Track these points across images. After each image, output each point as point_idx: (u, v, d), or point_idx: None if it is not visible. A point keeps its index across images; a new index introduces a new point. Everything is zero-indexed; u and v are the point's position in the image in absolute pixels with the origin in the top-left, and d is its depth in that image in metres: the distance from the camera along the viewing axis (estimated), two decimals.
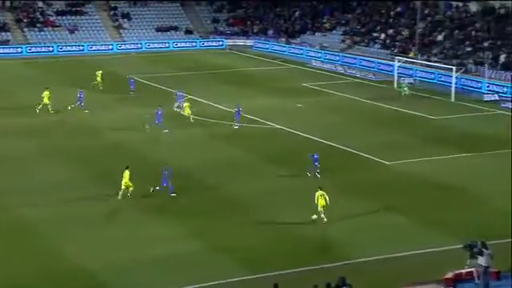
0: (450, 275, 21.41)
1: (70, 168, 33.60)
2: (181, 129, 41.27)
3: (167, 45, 74.99)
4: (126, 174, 29.25)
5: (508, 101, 48.24)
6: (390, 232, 26.59)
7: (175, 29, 78.33)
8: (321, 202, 27.12)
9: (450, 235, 25.92)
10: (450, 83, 51.61)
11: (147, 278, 23.06)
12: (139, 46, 74.27)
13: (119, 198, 29.11)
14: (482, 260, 20.87)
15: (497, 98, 49.71)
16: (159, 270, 23.45)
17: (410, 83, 54.19)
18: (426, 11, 66.64)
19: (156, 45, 74.55)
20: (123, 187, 29.21)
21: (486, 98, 50.09)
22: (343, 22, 73.59)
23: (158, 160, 34.08)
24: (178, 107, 44.41)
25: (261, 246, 25.29)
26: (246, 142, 36.88)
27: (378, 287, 22.28)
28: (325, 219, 26.95)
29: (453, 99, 49.94)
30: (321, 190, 27.44)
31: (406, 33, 65.78)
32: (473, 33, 60.67)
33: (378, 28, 69.14)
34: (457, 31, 62.05)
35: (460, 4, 65.20)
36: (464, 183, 31.96)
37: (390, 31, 67.49)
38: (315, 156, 32.33)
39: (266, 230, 26.74)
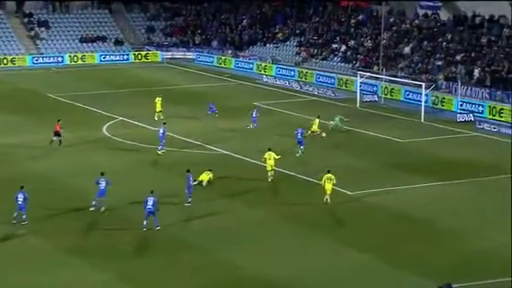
0: None
1: None
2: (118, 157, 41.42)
3: (94, 58, 74.81)
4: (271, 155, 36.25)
5: (483, 121, 49.79)
6: (353, 272, 27.10)
7: (103, 39, 78.25)
8: (327, 186, 32.94)
9: (421, 275, 26.55)
10: (420, 101, 53.03)
11: None
12: (60, 59, 73.87)
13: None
14: None
15: (472, 118, 51.25)
16: None
17: (374, 101, 55.69)
18: (391, 20, 68.38)
19: (80, 58, 74.32)
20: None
21: (460, 118, 51.59)
22: (298, 31, 74.80)
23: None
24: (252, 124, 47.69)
25: None
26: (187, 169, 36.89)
27: None
28: (328, 200, 33.15)
29: (422, 119, 51.33)
30: (329, 173, 33.17)
31: (368, 44, 67.29)
32: (444, 44, 62.53)
33: (338, 39, 70.55)
34: (426, 42, 63.88)
35: (429, 12, 67.10)
36: (436, 215, 32.77)
37: (352, 42, 68.94)
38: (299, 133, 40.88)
39: (211, 272, 27.06)
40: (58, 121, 42.94)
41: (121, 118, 50.22)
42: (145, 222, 30.28)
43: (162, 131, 41.51)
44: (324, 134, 45.39)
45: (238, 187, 36.24)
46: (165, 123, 43.03)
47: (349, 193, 35.29)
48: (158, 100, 49.46)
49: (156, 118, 48.24)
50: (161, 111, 48.99)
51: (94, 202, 32.29)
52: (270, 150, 37.14)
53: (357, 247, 29.11)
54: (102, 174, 32.55)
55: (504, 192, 35.62)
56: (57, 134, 42.32)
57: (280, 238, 30.27)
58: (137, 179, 37.40)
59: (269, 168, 36.85)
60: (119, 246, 29.15)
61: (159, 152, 41.42)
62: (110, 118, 50.20)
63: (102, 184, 32.10)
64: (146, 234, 30.13)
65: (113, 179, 33.97)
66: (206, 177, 35.59)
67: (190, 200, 33.29)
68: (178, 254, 28.49)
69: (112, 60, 75.32)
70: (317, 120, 45.67)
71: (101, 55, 75.50)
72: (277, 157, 36.91)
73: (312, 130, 45.15)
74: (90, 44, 77.43)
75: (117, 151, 42.60)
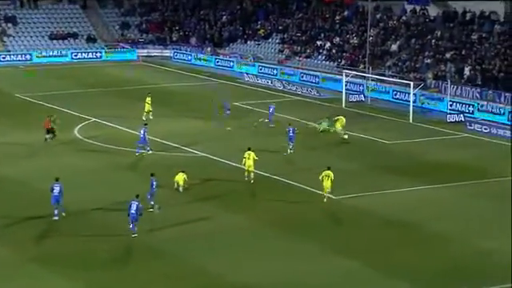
0: None
1: None
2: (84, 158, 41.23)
3: (64, 56, 74.35)
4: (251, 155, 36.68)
5: (474, 122, 50.06)
6: (339, 278, 27.09)
7: (74, 36, 77.86)
8: (326, 184, 33.79)
9: (410, 281, 26.64)
10: (408, 101, 53.19)
11: None
12: (28, 57, 73.34)
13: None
14: None
15: (462, 118, 51.47)
16: None
17: (360, 101, 55.85)
18: (378, 16, 68.61)
19: (50, 56, 73.81)
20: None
21: (450, 118, 51.79)
22: (280, 28, 74.85)
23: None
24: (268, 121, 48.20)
25: None
26: (163, 172, 36.75)
27: None
28: (325, 199, 34.08)
29: (411, 120, 51.45)
30: (328, 169, 33.94)
31: (354, 41, 67.44)
32: (433, 42, 62.80)
33: (322, 36, 70.66)
34: (414, 40, 64.12)
35: (417, 8, 67.39)
36: (426, 220, 32.87)
37: (337, 39, 69.07)
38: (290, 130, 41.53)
39: (194, 279, 26.94)
40: (48, 116, 43.59)
41: (93, 119, 49.97)
42: (131, 226, 30.03)
43: (142, 132, 41.47)
44: (346, 136, 45.48)
45: (217, 191, 36.16)
46: (146, 124, 42.97)
47: (334, 197, 35.28)
48: (148, 99, 49.24)
49: (151, 117, 48.20)
50: (150, 111, 48.82)
51: (56, 212, 31.91)
52: (249, 149, 37.32)
53: (343, 253, 29.11)
54: (57, 179, 32.09)
55: (496, 195, 35.89)
56: (49, 130, 42.94)
57: (262, 243, 30.19)
58: (110, 183, 37.22)
59: (246, 167, 36.98)
60: (90, 253, 28.86)
61: (148, 153, 41.45)
62: (82, 119, 49.93)
63: (56, 190, 31.66)
64: (119, 241, 29.90)
65: (84, 183, 33.84)
66: (180, 178, 35.33)
67: (157, 206, 32.87)
68: (153, 262, 28.24)
69: (84, 58, 74.94)
70: (343, 119, 46.12)
71: (72, 53, 75.09)
72: (256, 157, 37.00)
73: (336, 128, 45.89)
74: (60, 41, 77.04)
75: (89, 154, 42.33)
